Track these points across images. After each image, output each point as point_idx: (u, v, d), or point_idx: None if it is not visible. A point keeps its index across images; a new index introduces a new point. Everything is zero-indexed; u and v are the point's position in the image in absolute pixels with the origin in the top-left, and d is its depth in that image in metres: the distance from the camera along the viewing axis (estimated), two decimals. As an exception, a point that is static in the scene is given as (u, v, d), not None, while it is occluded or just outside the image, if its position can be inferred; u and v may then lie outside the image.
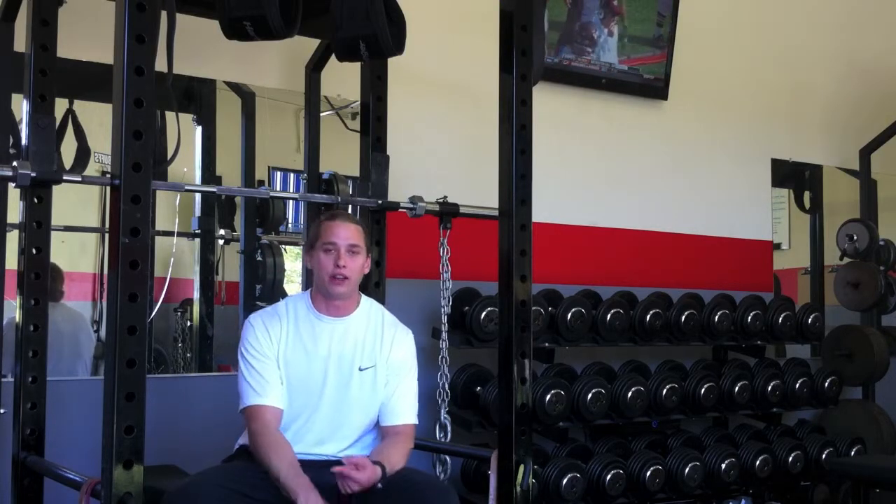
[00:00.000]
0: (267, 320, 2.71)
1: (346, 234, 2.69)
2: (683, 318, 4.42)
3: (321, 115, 3.74)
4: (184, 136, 2.90)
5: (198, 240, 3.76)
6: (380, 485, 2.46)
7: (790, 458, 4.56)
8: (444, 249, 3.46)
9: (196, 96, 3.74)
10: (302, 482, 2.44)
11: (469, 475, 3.91)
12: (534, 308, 3.11)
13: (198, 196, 3.76)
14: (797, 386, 4.72)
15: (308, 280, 3.25)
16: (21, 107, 2.99)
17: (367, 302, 2.82)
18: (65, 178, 2.74)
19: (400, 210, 3.44)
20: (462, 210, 3.48)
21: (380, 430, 2.75)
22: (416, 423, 2.79)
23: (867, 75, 5.75)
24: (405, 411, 2.75)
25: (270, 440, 2.55)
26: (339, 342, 2.71)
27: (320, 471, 2.58)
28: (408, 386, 2.78)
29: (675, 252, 4.92)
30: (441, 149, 4.18)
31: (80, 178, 2.84)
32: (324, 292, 2.71)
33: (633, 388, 4.13)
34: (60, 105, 3.19)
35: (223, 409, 2.65)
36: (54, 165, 2.77)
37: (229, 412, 2.79)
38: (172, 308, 3.69)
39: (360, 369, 2.71)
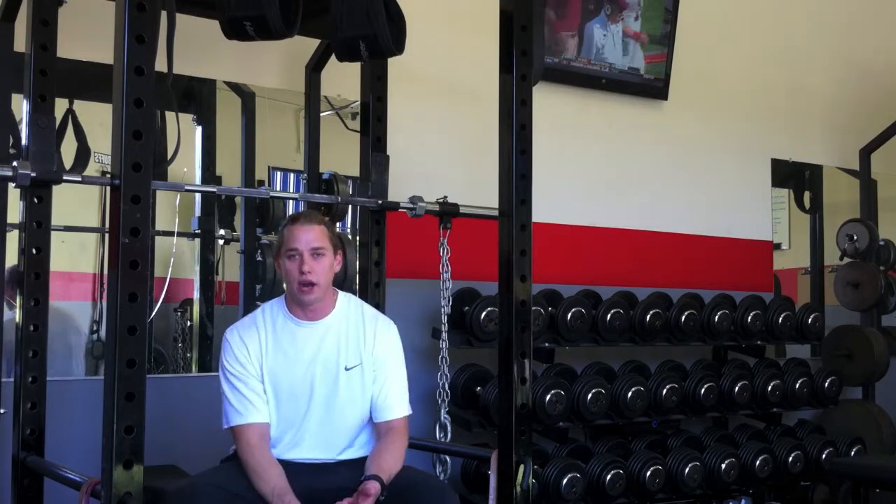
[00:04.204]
0: (244, 334, 2.65)
1: (308, 237, 2.60)
2: (683, 318, 4.42)
3: (321, 115, 3.74)
4: (184, 136, 2.91)
5: (198, 240, 3.76)
6: (382, 497, 2.44)
7: (790, 458, 4.56)
8: (444, 249, 3.46)
9: (196, 96, 3.74)
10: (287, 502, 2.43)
11: (469, 475, 3.91)
12: (534, 308, 3.10)
13: (198, 196, 3.75)
14: (797, 386, 4.72)
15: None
16: (21, 107, 3.00)
17: (344, 298, 2.75)
18: (65, 178, 2.73)
19: (400, 210, 3.44)
20: (462, 210, 3.47)
21: (374, 427, 2.72)
22: (410, 412, 2.74)
23: (867, 75, 5.75)
24: (396, 405, 2.71)
25: (254, 464, 2.51)
26: (321, 345, 2.66)
27: (319, 475, 2.59)
28: (396, 378, 2.73)
29: (675, 252, 4.92)
30: (441, 149, 4.18)
31: (80, 178, 2.84)
32: (295, 300, 2.65)
33: (633, 388, 4.13)
34: (60, 105, 3.19)
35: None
36: (54, 165, 2.77)
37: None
38: (172, 308, 3.69)
39: (346, 369, 2.66)
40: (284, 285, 2.71)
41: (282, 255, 2.64)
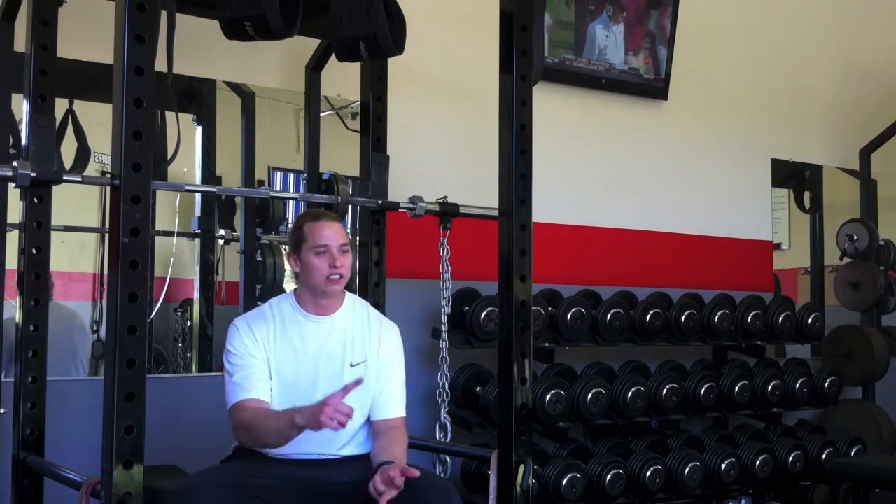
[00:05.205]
0: (252, 323, 2.70)
1: (336, 234, 2.68)
2: (683, 318, 4.41)
3: (321, 115, 3.74)
4: (184, 136, 2.90)
5: (198, 240, 3.76)
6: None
7: (790, 458, 4.56)
8: (444, 249, 3.46)
9: (196, 96, 3.74)
10: (298, 412, 2.42)
11: (469, 475, 3.91)
12: (534, 308, 3.11)
13: (198, 196, 3.75)
14: (797, 386, 4.72)
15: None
16: (21, 107, 3.00)
17: (350, 298, 2.82)
18: (65, 178, 2.74)
19: (400, 210, 3.44)
20: (462, 210, 3.48)
21: (371, 426, 2.73)
22: (405, 414, 2.77)
23: (867, 75, 5.75)
24: (396, 405, 2.74)
25: (256, 415, 2.53)
26: (328, 340, 2.70)
27: (320, 470, 2.59)
28: (397, 380, 2.77)
29: (675, 252, 4.92)
30: (441, 149, 4.18)
31: (80, 178, 2.84)
32: (317, 293, 2.70)
33: (633, 388, 4.13)
34: (60, 105, 3.19)
35: (223, 409, 2.64)
36: (54, 165, 2.77)
37: (229, 412, 2.78)
38: (172, 308, 3.69)
39: (352, 365, 2.70)
40: (295, 283, 2.77)
41: (305, 251, 2.67)
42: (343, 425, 2.35)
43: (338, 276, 2.66)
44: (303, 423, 2.40)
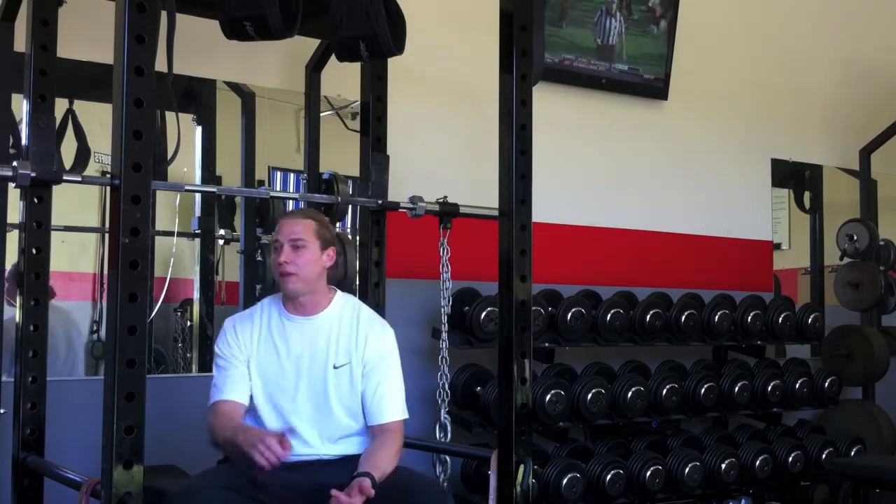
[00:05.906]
0: (239, 324, 2.73)
1: (289, 229, 2.66)
2: (683, 318, 4.42)
3: (321, 115, 3.74)
4: (184, 136, 2.90)
5: (198, 240, 3.76)
6: (372, 491, 2.45)
7: (790, 458, 4.56)
8: (444, 249, 3.46)
9: (196, 96, 3.74)
10: (242, 430, 2.50)
11: (469, 475, 3.91)
12: (534, 308, 3.10)
13: (198, 196, 3.75)
14: (797, 386, 4.72)
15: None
16: (21, 107, 3.00)
17: (341, 298, 2.78)
18: (65, 178, 2.74)
19: (400, 210, 3.44)
20: (462, 210, 3.48)
21: (369, 430, 2.72)
22: (406, 416, 2.74)
23: (867, 75, 5.75)
24: (390, 408, 2.70)
25: (217, 422, 2.60)
26: (310, 340, 2.69)
27: (309, 471, 2.59)
28: (390, 382, 2.72)
29: (675, 252, 4.92)
30: (441, 149, 4.18)
31: (80, 178, 2.84)
32: (284, 291, 2.70)
33: (633, 388, 4.13)
34: (60, 105, 3.19)
35: (223, 409, 2.65)
36: (54, 165, 2.77)
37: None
38: (172, 308, 3.69)
39: (335, 367, 2.67)
40: None
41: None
42: (272, 464, 2.37)
43: (286, 273, 2.64)
44: (239, 443, 2.44)
